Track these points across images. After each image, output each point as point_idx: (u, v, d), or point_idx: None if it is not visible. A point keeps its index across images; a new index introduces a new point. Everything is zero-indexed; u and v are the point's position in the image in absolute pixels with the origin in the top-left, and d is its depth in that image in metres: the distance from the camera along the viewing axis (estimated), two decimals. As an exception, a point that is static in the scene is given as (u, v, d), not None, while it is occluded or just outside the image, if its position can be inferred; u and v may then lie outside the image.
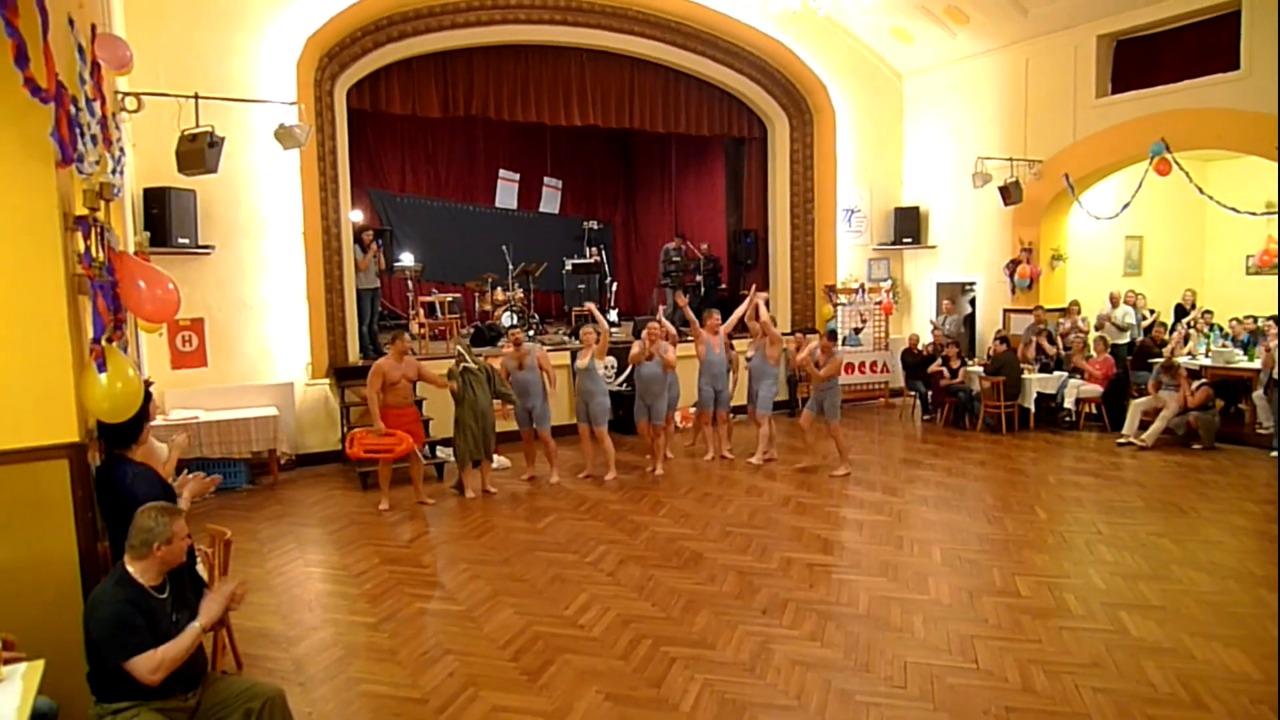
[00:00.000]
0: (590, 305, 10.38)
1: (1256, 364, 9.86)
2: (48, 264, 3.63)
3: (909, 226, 13.50)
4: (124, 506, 3.77)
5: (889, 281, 13.64)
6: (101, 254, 4.02)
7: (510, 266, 13.27)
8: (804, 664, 4.71)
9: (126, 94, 7.42)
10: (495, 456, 8.81)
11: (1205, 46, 10.19)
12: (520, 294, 13.03)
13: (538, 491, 8.57)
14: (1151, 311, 12.51)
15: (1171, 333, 11.73)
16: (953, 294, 13.27)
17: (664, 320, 9.62)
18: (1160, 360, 10.64)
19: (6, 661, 3.10)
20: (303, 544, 7.11)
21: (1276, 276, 12.27)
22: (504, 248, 13.59)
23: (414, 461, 8.18)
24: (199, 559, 4.26)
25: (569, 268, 14.65)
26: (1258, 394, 9.69)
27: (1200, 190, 10.54)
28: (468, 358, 8.34)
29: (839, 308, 13.17)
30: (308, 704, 4.35)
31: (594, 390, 8.83)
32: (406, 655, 4.93)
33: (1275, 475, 8.69)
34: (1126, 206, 11.23)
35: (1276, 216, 10.55)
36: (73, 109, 3.71)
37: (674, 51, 12.27)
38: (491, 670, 4.71)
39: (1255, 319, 10.98)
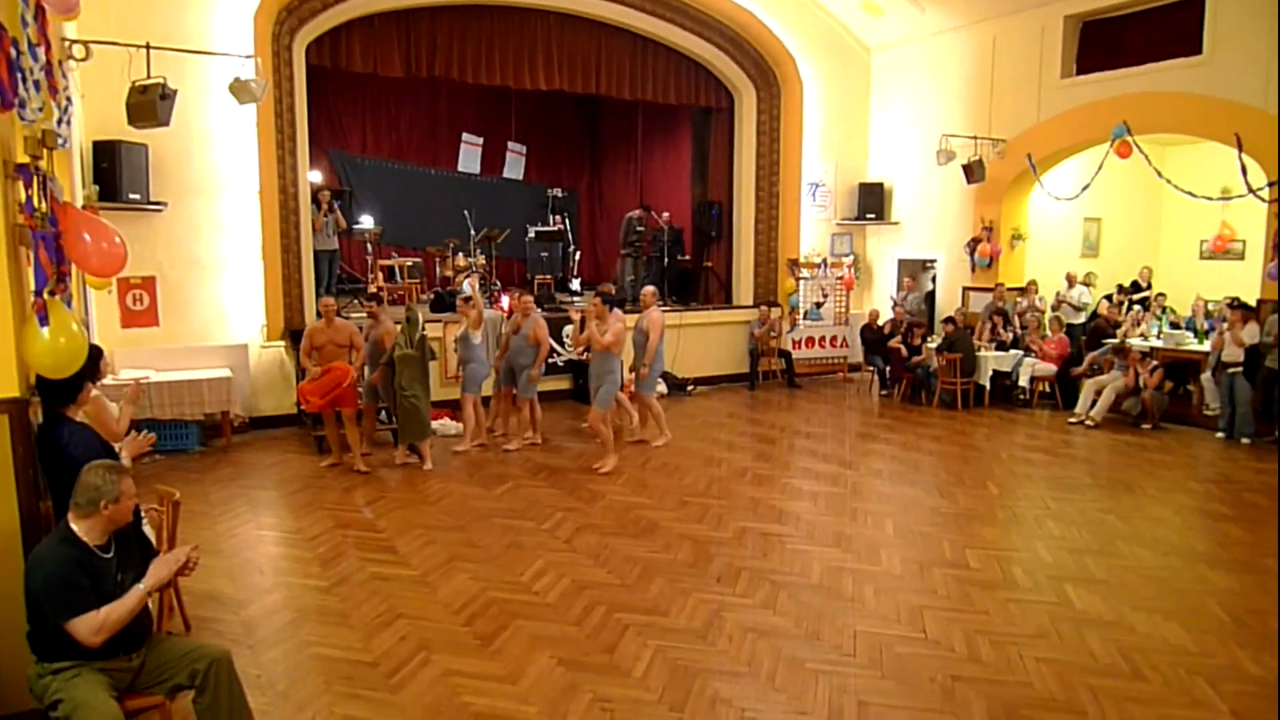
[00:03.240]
0: (472, 282, 10.07)
1: (1206, 346, 10.09)
2: (-14, 212, 3.50)
3: (873, 202, 13.56)
4: (62, 466, 3.68)
5: (851, 257, 13.71)
6: (44, 204, 3.89)
7: (472, 232, 13.11)
8: (756, 632, 4.76)
9: (74, 41, 7.17)
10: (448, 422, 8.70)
11: (1169, 30, 10.30)
12: (482, 260, 12.89)
13: (495, 459, 8.53)
14: (1109, 296, 12.62)
15: (1128, 311, 11.94)
16: (914, 271, 13.38)
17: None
18: (1113, 340, 10.85)
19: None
20: (255, 507, 7.02)
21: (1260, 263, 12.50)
22: (466, 213, 13.40)
23: (349, 425, 8.00)
24: (145, 519, 4.18)
25: (532, 235, 14.51)
26: (1205, 376, 9.92)
27: (1159, 173, 10.69)
28: (406, 329, 8.08)
29: (801, 281, 13.22)
30: (257, 667, 4.31)
31: (468, 359, 8.73)
32: (358, 619, 4.90)
33: (1220, 456, 8.92)
34: (1086, 188, 11.35)
35: (1231, 202, 10.74)
36: (13, 51, 3.56)
37: (642, 17, 12.13)
38: (444, 635, 4.70)
39: (1206, 302, 11.23)
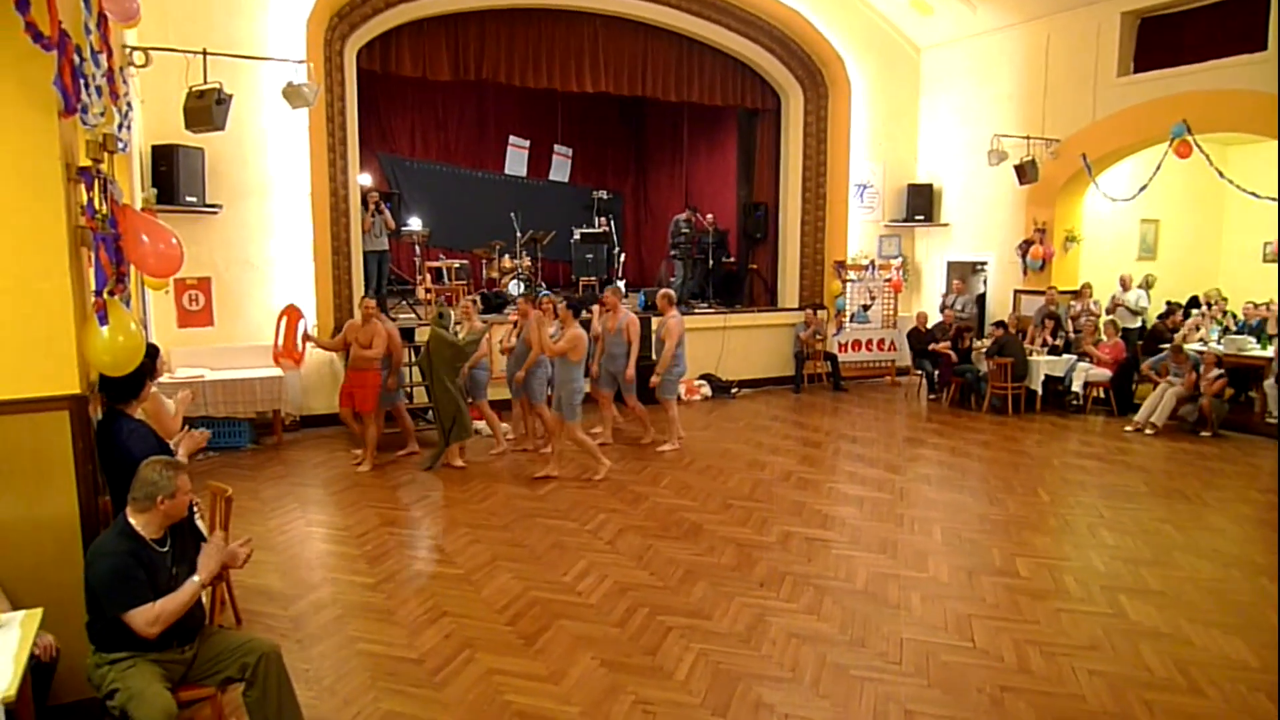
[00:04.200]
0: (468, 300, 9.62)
1: (1269, 352, 9.78)
2: (50, 214, 3.60)
3: (921, 204, 13.37)
4: (120, 462, 3.77)
5: (899, 259, 13.54)
6: (105, 206, 3.99)
7: (518, 234, 13.21)
8: (800, 637, 4.72)
9: (135, 48, 7.37)
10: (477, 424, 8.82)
11: (1231, 26, 10.00)
12: (528, 262, 12.98)
13: (539, 461, 8.56)
14: (1163, 315, 12.23)
15: (1186, 317, 11.61)
16: (964, 273, 13.16)
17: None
18: (1169, 345, 10.56)
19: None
20: (304, 504, 7.14)
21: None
22: (512, 215, 13.51)
23: (367, 423, 8.15)
24: (198, 514, 4.27)
25: (577, 237, 14.57)
26: (1269, 383, 9.61)
27: (1220, 174, 10.39)
28: (436, 326, 8.12)
29: (848, 284, 13.10)
30: (305, 661, 4.38)
31: (473, 364, 8.62)
32: (404, 616, 4.95)
33: (1279, 464, 8.65)
34: (1144, 189, 11.09)
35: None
36: (77, 58, 3.66)
37: (688, 19, 12.11)
38: (488, 633, 4.73)
39: (1267, 305, 10.89)
